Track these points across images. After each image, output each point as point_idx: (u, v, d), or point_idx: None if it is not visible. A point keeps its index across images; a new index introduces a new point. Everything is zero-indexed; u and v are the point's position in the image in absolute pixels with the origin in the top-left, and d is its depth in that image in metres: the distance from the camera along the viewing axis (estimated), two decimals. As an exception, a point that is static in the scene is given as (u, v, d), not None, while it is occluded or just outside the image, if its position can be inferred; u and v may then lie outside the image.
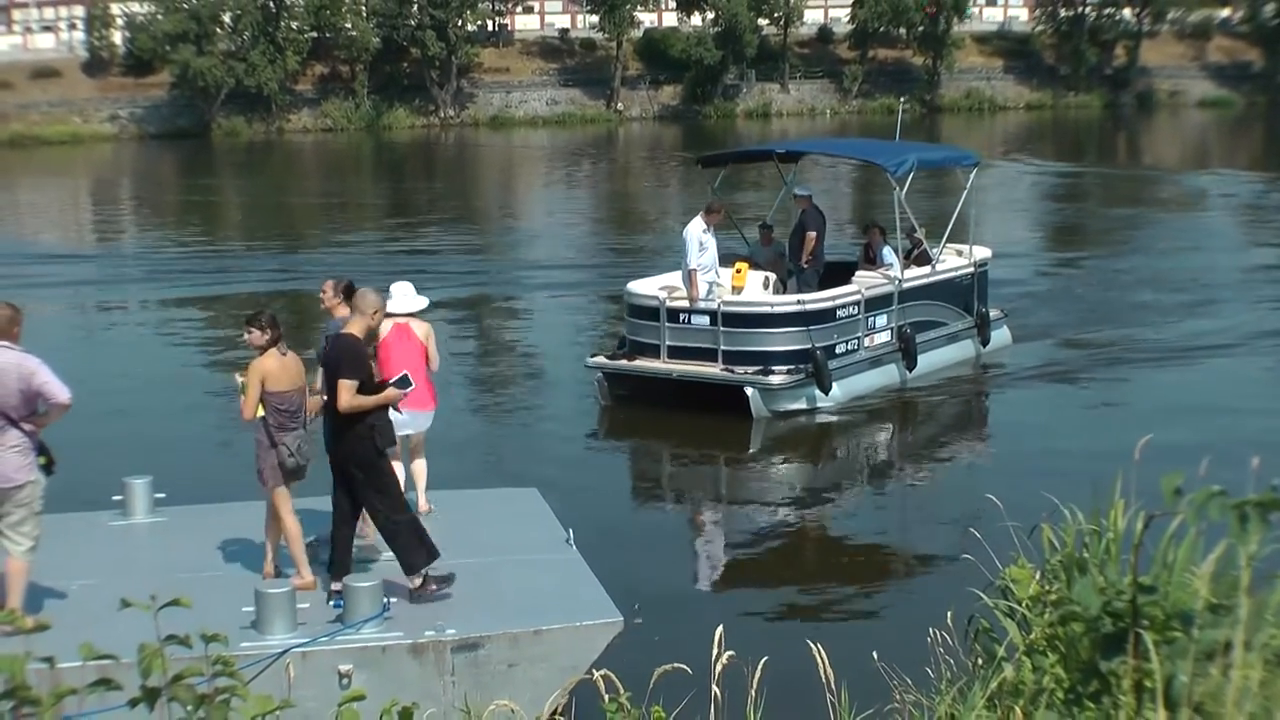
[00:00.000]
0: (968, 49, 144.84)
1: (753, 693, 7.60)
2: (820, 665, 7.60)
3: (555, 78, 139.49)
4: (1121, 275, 40.42)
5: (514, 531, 15.32)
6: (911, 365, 26.82)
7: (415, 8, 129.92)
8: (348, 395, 13.00)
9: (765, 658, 7.86)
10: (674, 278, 26.56)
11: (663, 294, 25.53)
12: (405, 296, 15.90)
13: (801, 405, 25.06)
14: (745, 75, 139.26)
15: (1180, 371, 28.61)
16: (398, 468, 14.86)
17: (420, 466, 16.21)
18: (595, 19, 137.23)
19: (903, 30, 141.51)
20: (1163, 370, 28.74)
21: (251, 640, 11.68)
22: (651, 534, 19.70)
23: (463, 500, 16.14)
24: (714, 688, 7.51)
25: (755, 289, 26.87)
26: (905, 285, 26.97)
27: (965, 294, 28.85)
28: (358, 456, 13.28)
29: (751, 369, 24.75)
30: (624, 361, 25.70)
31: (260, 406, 13.33)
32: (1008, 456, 22.92)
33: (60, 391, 12.25)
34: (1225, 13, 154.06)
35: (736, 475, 23.35)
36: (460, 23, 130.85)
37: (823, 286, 26.60)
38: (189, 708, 4.83)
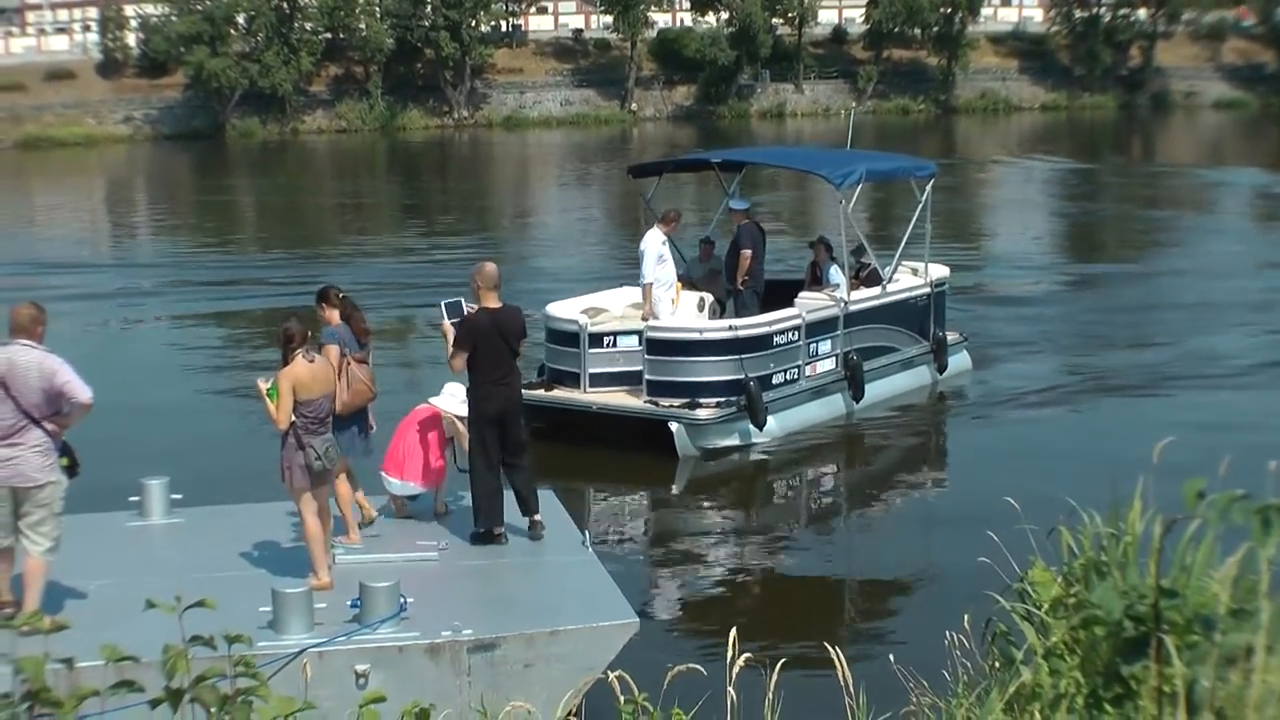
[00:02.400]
0: (982, 49, 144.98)
1: (770, 695, 7.58)
2: (839, 668, 7.58)
3: (569, 78, 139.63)
4: (1123, 288, 38.64)
5: (537, 532, 15.34)
6: (858, 395, 24.66)
7: (429, 8, 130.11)
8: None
9: (782, 659, 7.86)
10: (599, 298, 25.23)
11: (583, 318, 23.35)
12: (454, 397, 16.17)
13: (734, 441, 22.82)
14: (759, 75, 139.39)
15: (1175, 399, 26.02)
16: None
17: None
18: (609, 19, 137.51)
19: (917, 31, 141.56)
20: (1154, 397, 26.22)
21: (268, 640, 11.67)
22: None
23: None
24: (730, 689, 7.50)
25: (689, 311, 25.30)
26: (852, 308, 24.72)
27: (920, 316, 26.47)
28: (519, 408, 15.78)
29: (678, 401, 22.57)
30: (540, 391, 23.10)
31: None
32: (968, 489, 20.89)
33: (81, 391, 12.27)
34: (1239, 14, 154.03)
35: (672, 509, 21.50)
36: (474, 23, 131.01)
37: (766, 308, 24.71)
38: (212, 709, 4.84)
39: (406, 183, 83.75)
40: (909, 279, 26.69)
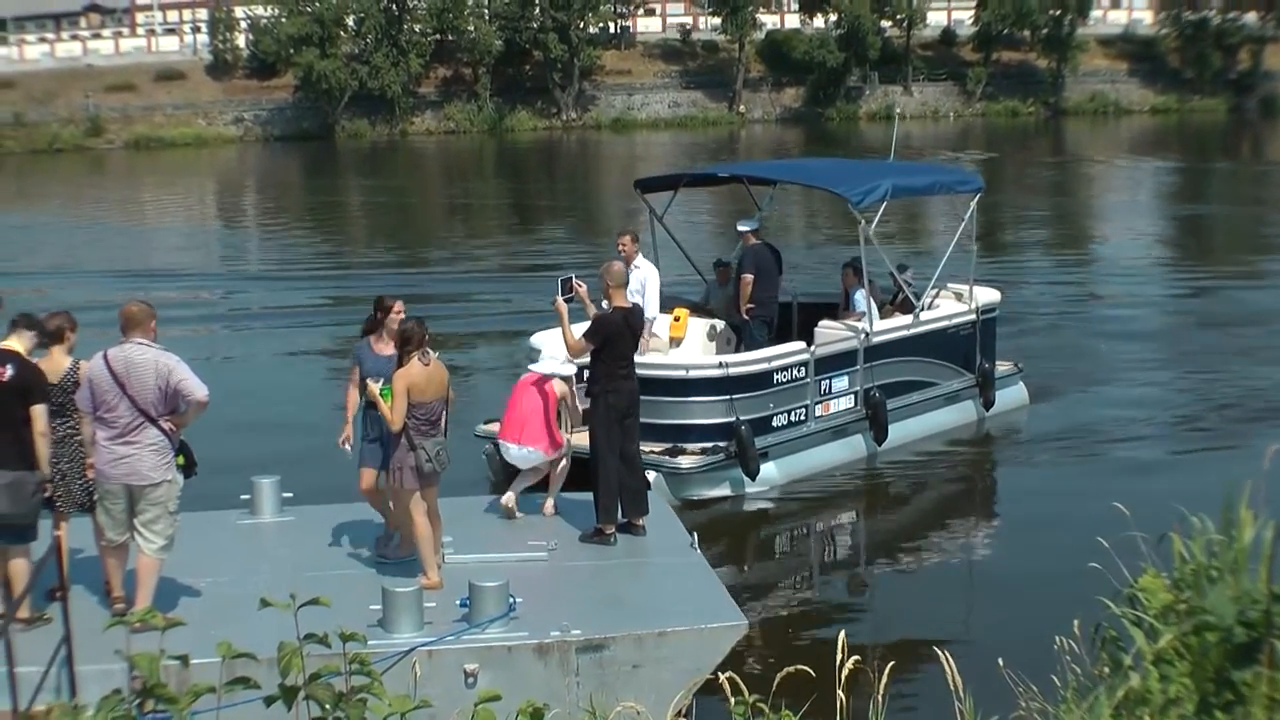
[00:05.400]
0: (1092, 51, 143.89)
1: (878, 697, 7.57)
2: (947, 671, 7.55)
3: (677, 80, 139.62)
4: (1231, 302, 36.01)
5: (638, 534, 15.39)
6: (880, 436, 21.99)
7: (537, 10, 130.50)
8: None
9: (891, 663, 7.85)
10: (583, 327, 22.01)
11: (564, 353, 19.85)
12: (555, 359, 16.76)
13: (723, 491, 20.29)
14: (868, 77, 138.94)
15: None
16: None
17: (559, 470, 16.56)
18: (717, 21, 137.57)
19: (1027, 32, 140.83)
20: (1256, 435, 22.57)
21: (379, 639, 11.74)
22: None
23: (588, 505, 16.13)
24: (839, 692, 7.49)
25: (697, 341, 23.46)
26: (875, 339, 22.04)
27: (962, 347, 23.84)
28: (639, 401, 16.03)
29: (659, 447, 19.72)
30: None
31: None
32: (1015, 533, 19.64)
33: (198, 388, 12.34)
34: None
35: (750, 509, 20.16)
36: (582, 25, 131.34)
37: (801, 336, 22.38)
38: (326, 706, 4.90)
39: (515, 185, 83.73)
40: (951, 305, 24.16)
